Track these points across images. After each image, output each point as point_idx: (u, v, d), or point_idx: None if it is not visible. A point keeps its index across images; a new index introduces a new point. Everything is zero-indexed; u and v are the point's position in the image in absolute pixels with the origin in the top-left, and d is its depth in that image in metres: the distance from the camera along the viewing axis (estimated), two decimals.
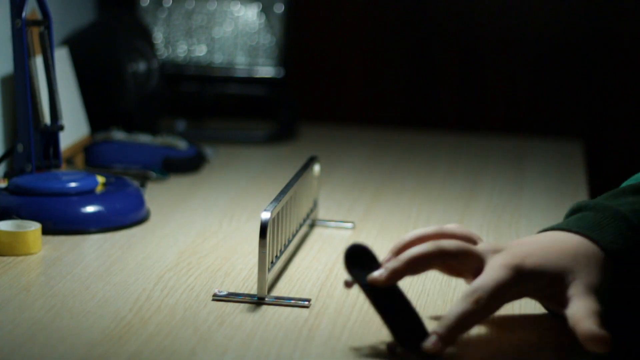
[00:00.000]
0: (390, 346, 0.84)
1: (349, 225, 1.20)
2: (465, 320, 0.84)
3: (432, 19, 1.85)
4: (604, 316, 0.86)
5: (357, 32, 1.87)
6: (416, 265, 0.88)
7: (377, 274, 0.87)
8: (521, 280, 0.86)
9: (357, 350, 0.84)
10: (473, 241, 0.92)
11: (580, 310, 0.85)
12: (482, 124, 1.86)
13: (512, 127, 1.84)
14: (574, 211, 0.96)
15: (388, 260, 0.90)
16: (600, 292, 0.88)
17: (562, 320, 0.87)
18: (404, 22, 1.85)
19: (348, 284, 0.87)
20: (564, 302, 0.87)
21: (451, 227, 0.93)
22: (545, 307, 0.94)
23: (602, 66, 1.83)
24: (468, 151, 1.68)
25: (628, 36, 1.82)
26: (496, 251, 0.88)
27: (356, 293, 0.97)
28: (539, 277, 0.87)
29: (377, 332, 0.88)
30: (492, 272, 0.86)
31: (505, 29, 1.84)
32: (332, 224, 1.20)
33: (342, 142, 1.70)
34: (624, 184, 0.99)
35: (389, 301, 0.86)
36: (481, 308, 0.84)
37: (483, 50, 1.85)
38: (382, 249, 1.11)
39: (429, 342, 0.83)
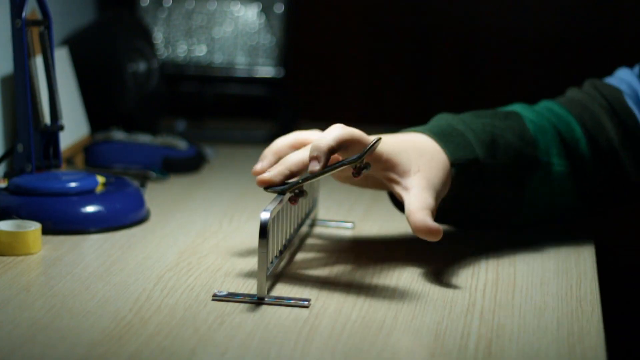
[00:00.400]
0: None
1: (349, 225, 1.20)
2: (298, 158, 1.00)
3: (432, 18, 1.85)
4: (441, 213, 1.04)
5: (357, 32, 1.87)
6: (296, 170, 1.01)
7: (267, 175, 1.00)
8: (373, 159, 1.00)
9: (357, 350, 0.84)
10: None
11: (416, 202, 0.99)
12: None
13: None
14: (438, 119, 1.13)
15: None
16: (439, 194, 1.03)
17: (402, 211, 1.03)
18: (404, 22, 1.85)
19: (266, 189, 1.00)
20: (404, 189, 1.01)
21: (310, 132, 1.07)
22: (391, 197, 1.13)
23: (602, 66, 1.82)
24: None
25: (628, 36, 1.82)
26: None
27: (356, 293, 0.97)
28: (388, 160, 1.02)
29: (377, 332, 0.88)
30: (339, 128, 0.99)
31: (505, 29, 1.84)
32: (332, 224, 1.20)
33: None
34: (497, 109, 1.18)
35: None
36: (314, 149, 0.97)
37: (483, 50, 1.85)
38: (382, 249, 1.11)
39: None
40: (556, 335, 0.89)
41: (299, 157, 1.01)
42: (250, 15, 1.73)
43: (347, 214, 1.25)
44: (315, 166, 0.97)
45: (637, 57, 1.24)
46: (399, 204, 1.14)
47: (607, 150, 1.16)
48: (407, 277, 1.02)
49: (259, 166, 1.04)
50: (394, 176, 1.03)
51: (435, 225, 0.97)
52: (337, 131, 0.99)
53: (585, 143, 1.15)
